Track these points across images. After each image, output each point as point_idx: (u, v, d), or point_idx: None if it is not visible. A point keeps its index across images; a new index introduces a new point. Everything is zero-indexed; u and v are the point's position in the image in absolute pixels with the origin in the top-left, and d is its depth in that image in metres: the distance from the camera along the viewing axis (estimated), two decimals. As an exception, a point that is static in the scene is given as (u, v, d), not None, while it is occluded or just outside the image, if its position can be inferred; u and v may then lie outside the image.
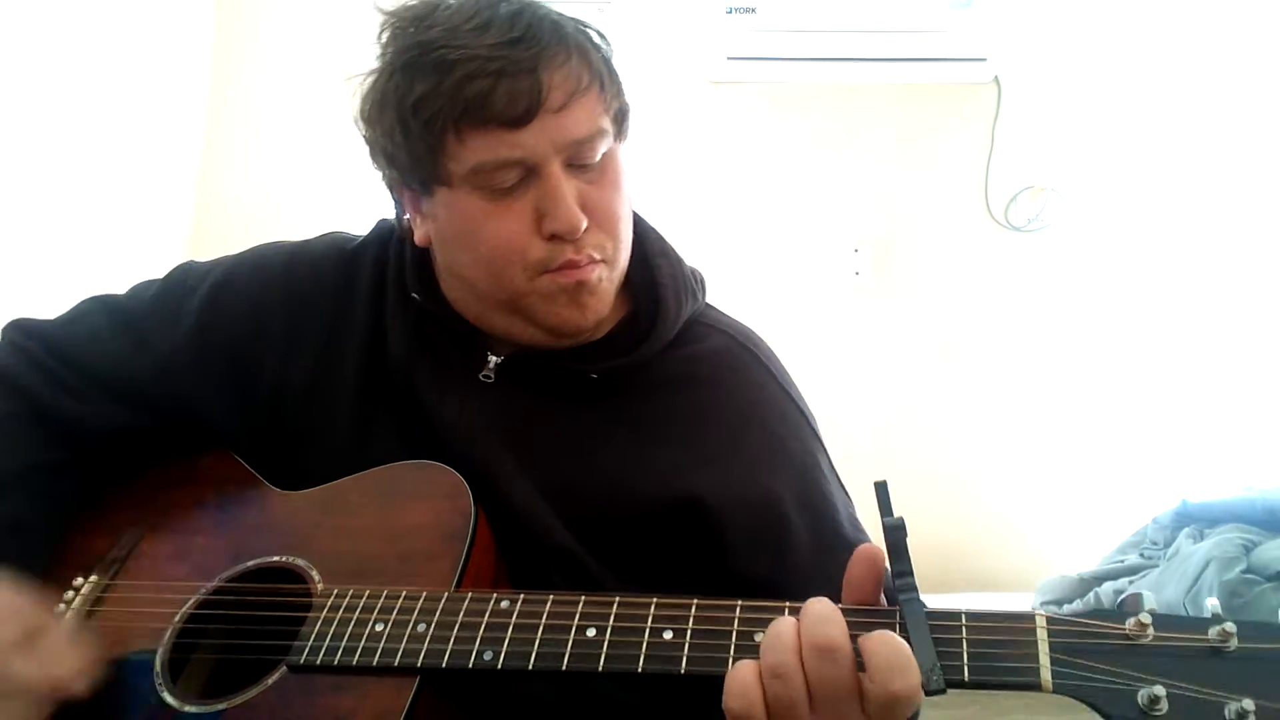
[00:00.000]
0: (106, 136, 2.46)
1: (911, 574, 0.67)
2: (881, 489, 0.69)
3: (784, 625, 0.65)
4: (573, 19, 0.91)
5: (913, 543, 0.68)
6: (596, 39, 0.92)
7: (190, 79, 2.83)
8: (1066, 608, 2.30)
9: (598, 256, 0.90)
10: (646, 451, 0.92)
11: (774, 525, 0.89)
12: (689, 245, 1.07)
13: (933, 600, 0.68)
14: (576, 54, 0.87)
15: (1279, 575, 1.92)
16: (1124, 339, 2.76)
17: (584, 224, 0.87)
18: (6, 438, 0.95)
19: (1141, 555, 2.33)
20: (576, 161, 0.88)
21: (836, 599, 0.70)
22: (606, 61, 0.91)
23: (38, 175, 2.20)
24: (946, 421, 2.76)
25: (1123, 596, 0.60)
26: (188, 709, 0.79)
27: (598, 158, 0.89)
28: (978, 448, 2.75)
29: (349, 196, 2.38)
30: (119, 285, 1.08)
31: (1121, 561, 2.36)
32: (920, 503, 2.55)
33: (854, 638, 0.64)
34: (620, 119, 0.93)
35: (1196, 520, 2.24)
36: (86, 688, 0.80)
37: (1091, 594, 2.29)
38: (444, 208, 0.90)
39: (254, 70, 2.89)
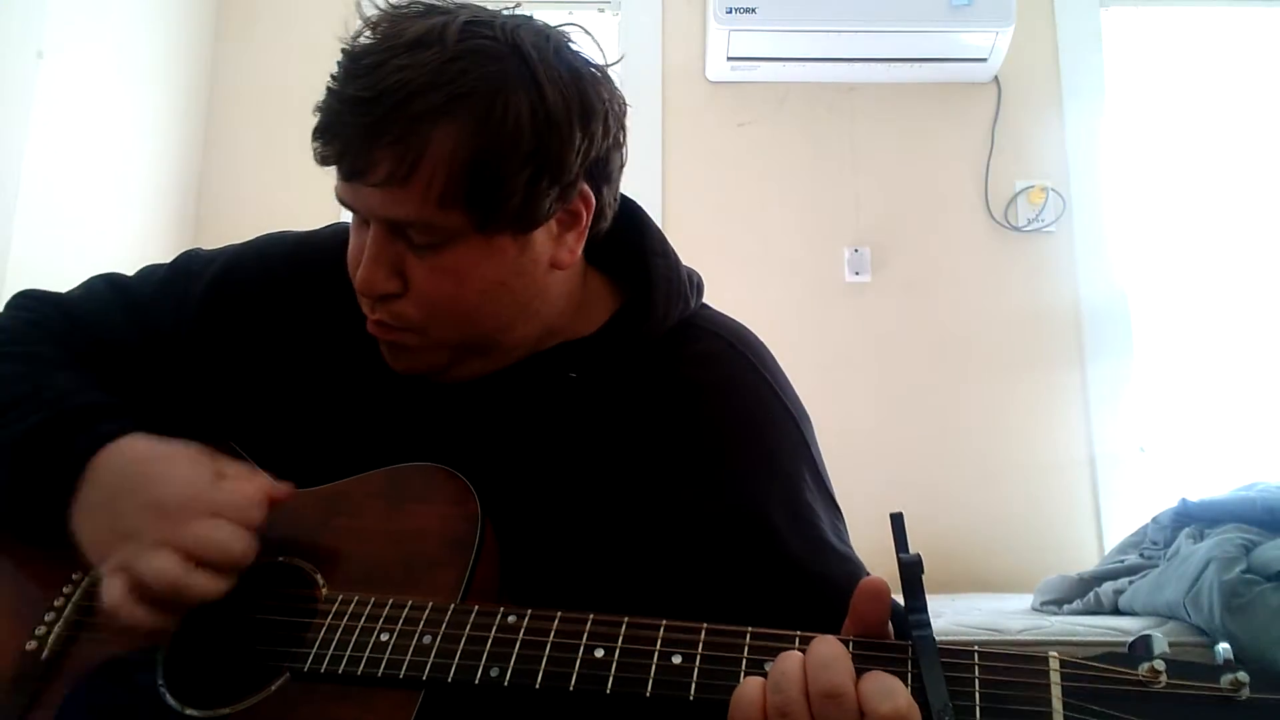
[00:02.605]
0: (111, 128, 2.45)
1: (926, 610, 0.67)
2: (897, 521, 0.68)
3: (791, 665, 0.65)
4: (492, 101, 0.80)
5: (912, 543, 0.68)
6: (494, 137, 0.80)
7: (192, 69, 2.82)
8: (1066, 608, 2.31)
9: (395, 325, 0.88)
10: (629, 454, 0.90)
11: (760, 535, 0.88)
12: (688, 245, 1.06)
13: (933, 601, 0.67)
14: (413, 141, 0.79)
15: (1279, 575, 1.92)
16: (1123, 339, 2.77)
17: (379, 290, 0.85)
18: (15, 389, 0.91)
19: (1141, 555, 2.32)
20: (408, 233, 0.84)
21: (829, 603, 0.70)
22: (481, 163, 0.80)
23: (40, 169, 2.19)
24: (946, 421, 2.76)
25: (1133, 639, 0.60)
26: (189, 712, 0.78)
27: (425, 242, 0.84)
28: (977, 447, 2.76)
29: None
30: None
31: (1121, 561, 2.35)
32: (919, 503, 2.57)
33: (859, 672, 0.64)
34: (490, 217, 0.83)
35: (1196, 520, 2.23)
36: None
37: (1091, 594, 2.29)
38: None
39: (257, 59, 2.89)
